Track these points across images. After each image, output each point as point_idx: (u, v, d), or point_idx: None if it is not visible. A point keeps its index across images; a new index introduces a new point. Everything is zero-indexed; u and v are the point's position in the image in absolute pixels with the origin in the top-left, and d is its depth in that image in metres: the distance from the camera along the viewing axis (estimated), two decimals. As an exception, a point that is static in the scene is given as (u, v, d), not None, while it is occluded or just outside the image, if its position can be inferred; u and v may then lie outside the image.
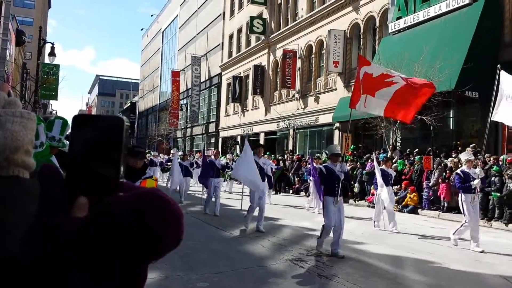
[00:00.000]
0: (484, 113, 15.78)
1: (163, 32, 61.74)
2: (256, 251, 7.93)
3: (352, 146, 21.21)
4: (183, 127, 47.73)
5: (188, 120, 45.14)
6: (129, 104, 78.93)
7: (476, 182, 8.49)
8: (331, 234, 7.68)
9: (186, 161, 16.57)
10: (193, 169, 17.06)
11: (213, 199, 12.45)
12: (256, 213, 10.14)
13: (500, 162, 12.70)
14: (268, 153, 26.27)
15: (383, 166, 11.22)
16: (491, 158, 13.10)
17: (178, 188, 16.03)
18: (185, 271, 6.24)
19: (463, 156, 9.23)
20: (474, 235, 8.43)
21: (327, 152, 21.92)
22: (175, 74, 49.26)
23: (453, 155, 14.77)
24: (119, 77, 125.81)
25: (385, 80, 8.32)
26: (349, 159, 18.58)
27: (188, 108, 44.79)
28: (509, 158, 12.58)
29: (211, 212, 12.12)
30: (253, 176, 9.76)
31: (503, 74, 8.68)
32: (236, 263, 6.89)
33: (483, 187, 10.79)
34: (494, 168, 12.30)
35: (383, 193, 10.45)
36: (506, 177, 11.93)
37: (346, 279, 6.12)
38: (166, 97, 55.63)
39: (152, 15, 65.46)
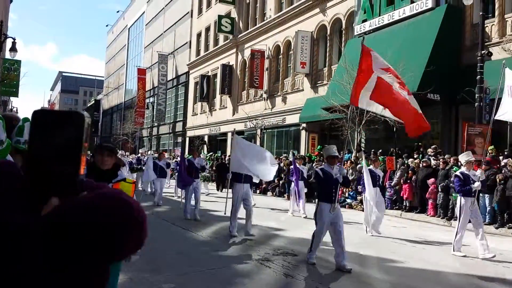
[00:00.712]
0: (445, 115, 16.35)
1: (129, 28, 60.70)
2: (222, 251, 7.92)
3: (319, 146, 21.48)
4: (149, 126, 47.08)
5: (154, 119, 44.56)
6: (93, 101, 77.18)
7: (476, 185, 8.02)
8: (325, 245, 7.23)
9: (162, 160, 15.60)
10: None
11: (192, 202, 11.66)
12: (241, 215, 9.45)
13: (459, 163, 13.11)
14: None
15: (371, 167, 10.60)
16: (451, 159, 13.54)
17: (152, 190, 15.49)
18: (150, 272, 6.16)
19: (463, 158, 8.63)
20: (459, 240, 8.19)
21: (294, 152, 22.17)
22: (141, 72, 48.51)
23: (415, 156, 15.18)
24: (82, 74, 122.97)
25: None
26: (316, 159, 18.81)
27: (155, 107, 44.22)
28: (468, 159, 13.01)
29: (192, 216, 11.29)
30: (257, 163, 9.31)
31: (508, 72, 8.28)
32: (202, 264, 6.85)
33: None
34: (454, 169, 12.70)
35: (371, 195, 9.90)
36: (465, 177, 12.34)
37: (312, 278, 6.20)
38: (131, 95, 54.71)
39: (118, 11, 64.29)
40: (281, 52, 26.45)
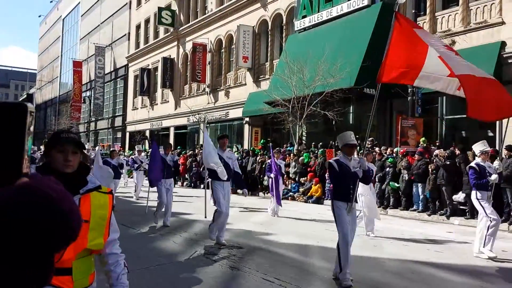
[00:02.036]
0: (381, 108, 17.08)
1: (63, 19, 58.00)
2: (167, 247, 7.87)
3: (262, 140, 21.74)
4: (86, 121, 45.39)
5: (91, 114, 43.02)
6: (25, 95, 73.22)
7: (494, 178, 7.26)
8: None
9: (115, 159, 13.62)
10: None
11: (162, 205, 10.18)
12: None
13: (394, 154, 13.81)
14: (179, 147, 26.02)
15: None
16: (388, 150, 14.21)
17: None
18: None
19: (478, 147, 7.78)
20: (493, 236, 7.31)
21: (238, 146, 22.13)
22: (77, 65, 46.63)
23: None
24: (13, 67, 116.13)
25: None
26: (260, 153, 19.04)
27: (92, 101, 42.70)
28: (401, 150, 13.74)
29: (166, 221, 9.92)
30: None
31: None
32: (147, 260, 6.78)
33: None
34: (389, 160, 13.36)
35: (364, 192, 8.86)
36: (401, 168, 13.01)
37: (257, 269, 6.32)
38: (67, 88, 52.50)
39: (51, 1, 61.10)
40: (223, 46, 26.41)
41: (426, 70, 5.87)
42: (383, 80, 6.15)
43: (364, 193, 8.85)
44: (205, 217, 8.78)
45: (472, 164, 7.72)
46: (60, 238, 0.68)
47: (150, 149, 11.87)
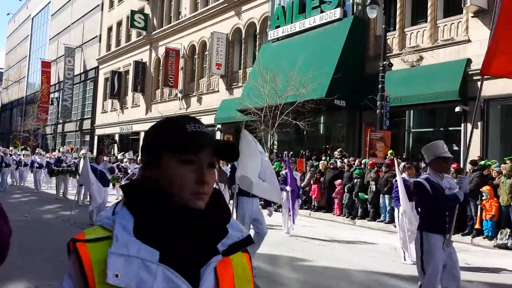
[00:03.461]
0: (350, 120, 17.42)
1: (33, 18, 56.67)
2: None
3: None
4: (53, 122, 44.35)
5: (59, 116, 42.06)
6: (-10, 95, 70.85)
7: None
8: None
9: (102, 163, 11.41)
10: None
11: None
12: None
13: (363, 166, 14.07)
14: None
15: (404, 175, 8.15)
16: (356, 161, 14.48)
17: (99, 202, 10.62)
18: (58, 280, 5.89)
19: None
20: None
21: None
22: (46, 65, 45.61)
23: (323, 158, 16.00)
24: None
25: None
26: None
27: (60, 103, 41.78)
28: (370, 162, 14.01)
29: None
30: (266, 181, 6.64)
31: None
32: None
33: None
34: (355, 171, 13.61)
35: (407, 210, 7.45)
36: (370, 179, 13.24)
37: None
38: (34, 89, 51.22)
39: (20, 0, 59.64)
40: (197, 52, 26.37)
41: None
42: (489, 73, 4.88)
43: (409, 214, 7.39)
44: None
45: None
46: None
47: None
